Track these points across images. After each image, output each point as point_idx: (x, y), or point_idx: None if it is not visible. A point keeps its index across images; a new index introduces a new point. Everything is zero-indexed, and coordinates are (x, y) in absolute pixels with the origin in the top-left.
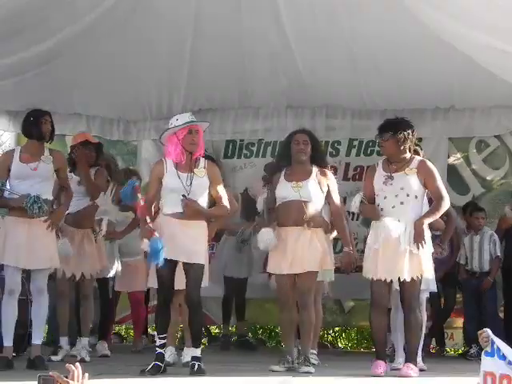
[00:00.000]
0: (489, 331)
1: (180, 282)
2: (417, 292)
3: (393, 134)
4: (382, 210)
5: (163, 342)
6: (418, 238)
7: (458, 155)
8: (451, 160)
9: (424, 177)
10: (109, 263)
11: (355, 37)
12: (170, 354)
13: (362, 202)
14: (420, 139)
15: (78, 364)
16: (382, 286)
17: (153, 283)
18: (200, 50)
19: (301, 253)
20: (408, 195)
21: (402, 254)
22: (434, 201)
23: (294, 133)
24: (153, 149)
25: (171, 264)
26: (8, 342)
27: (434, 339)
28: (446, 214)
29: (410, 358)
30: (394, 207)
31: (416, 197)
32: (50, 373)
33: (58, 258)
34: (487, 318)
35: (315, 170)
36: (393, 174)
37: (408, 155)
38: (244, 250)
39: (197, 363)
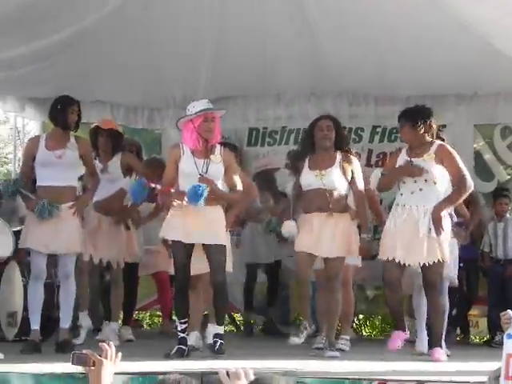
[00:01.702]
0: (510, 313)
1: (202, 267)
2: (439, 276)
3: (410, 122)
4: (401, 195)
5: (184, 326)
6: (437, 225)
7: (483, 142)
8: (476, 146)
9: (444, 161)
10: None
11: (378, 23)
12: (194, 338)
13: (382, 174)
14: (444, 126)
15: (111, 343)
16: (394, 268)
17: None
18: (223, 36)
19: (327, 237)
20: (426, 181)
21: (421, 239)
22: (455, 184)
23: (317, 119)
24: (176, 137)
25: (187, 249)
26: (35, 326)
27: (458, 328)
28: (473, 202)
29: (436, 342)
30: (412, 193)
31: (435, 183)
32: (84, 351)
33: (82, 243)
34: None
35: (339, 156)
36: (413, 159)
37: (428, 141)
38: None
39: (219, 341)
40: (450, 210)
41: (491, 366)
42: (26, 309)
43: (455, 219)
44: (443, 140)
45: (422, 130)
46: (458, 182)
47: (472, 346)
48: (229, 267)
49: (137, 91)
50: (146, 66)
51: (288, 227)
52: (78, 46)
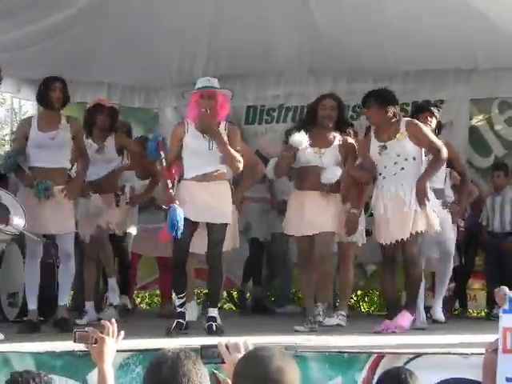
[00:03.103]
0: (505, 289)
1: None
2: (416, 246)
3: (375, 102)
4: (384, 178)
5: (182, 301)
6: (421, 198)
7: (480, 117)
8: (473, 122)
9: (415, 136)
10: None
11: None
12: (191, 311)
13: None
14: (442, 101)
15: (113, 321)
16: (391, 248)
17: None
18: (221, 15)
19: (317, 214)
20: (406, 159)
21: (408, 215)
22: (432, 156)
23: (322, 97)
24: (173, 116)
25: (191, 226)
26: (32, 305)
27: (457, 301)
28: (461, 173)
29: (408, 306)
30: (395, 174)
31: (414, 158)
32: (86, 328)
33: (73, 222)
34: (509, 279)
35: (338, 137)
36: (386, 144)
37: (394, 120)
38: (269, 213)
39: (214, 324)
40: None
41: (489, 338)
42: None
43: (450, 199)
44: (440, 123)
45: (388, 111)
46: (432, 150)
47: (470, 319)
48: (235, 243)
49: (134, 71)
50: (143, 46)
51: (298, 137)
52: (73, 27)
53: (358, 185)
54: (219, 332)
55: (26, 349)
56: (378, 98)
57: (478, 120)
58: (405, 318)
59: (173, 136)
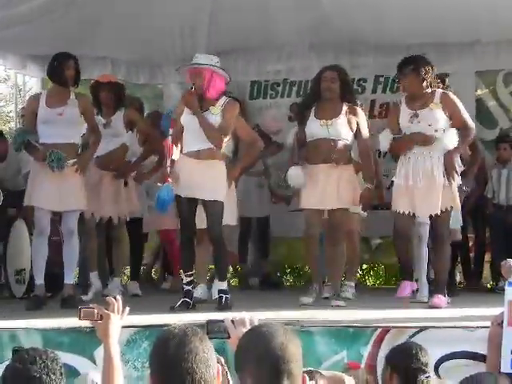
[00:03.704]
0: (511, 261)
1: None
2: (448, 223)
3: (413, 69)
4: (409, 148)
5: (190, 279)
6: (451, 171)
7: (485, 89)
8: (478, 94)
9: (449, 109)
10: (139, 205)
11: None
12: (201, 291)
13: (394, 138)
14: (447, 75)
15: (118, 297)
16: (408, 220)
17: None
18: None
19: (332, 189)
20: (436, 131)
21: (437, 189)
22: (461, 131)
23: (323, 70)
24: (178, 92)
25: (191, 202)
26: (39, 280)
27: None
28: (473, 149)
29: (439, 288)
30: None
31: (443, 131)
32: (91, 305)
33: (85, 200)
34: None
35: (345, 107)
36: (418, 112)
37: (430, 90)
38: (264, 188)
39: (224, 296)
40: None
41: (494, 311)
42: None
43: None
44: (447, 88)
45: (425, 78)
46: (464, 127)
47: (476, 292)
48: (233, 220)
49: (138, 47)
50: (146, 22)
51: (295, 172)
52: (77, 2)
53: (369, 156)
54: (228, 306)
55: (33, 325)
56: (416, 66)
57: (484, 92)
58: (441, 300)
59: (176, 113)
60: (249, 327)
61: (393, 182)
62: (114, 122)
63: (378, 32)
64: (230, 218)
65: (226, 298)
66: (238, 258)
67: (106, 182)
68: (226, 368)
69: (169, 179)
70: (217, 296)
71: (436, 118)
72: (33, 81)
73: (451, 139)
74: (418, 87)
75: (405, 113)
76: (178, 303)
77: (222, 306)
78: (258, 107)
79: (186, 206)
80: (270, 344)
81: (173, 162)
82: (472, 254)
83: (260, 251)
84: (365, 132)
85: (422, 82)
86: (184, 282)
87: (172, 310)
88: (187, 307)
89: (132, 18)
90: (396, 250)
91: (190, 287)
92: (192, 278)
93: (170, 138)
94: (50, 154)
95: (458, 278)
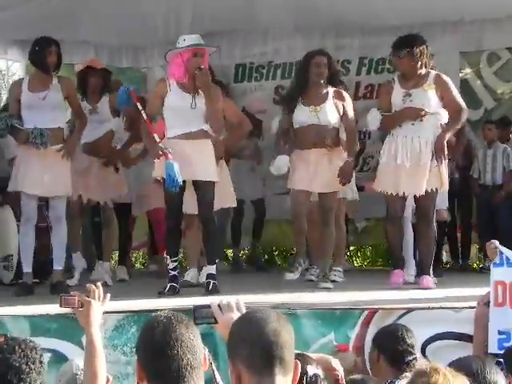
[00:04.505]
0: (496, 242)
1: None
2: (433, 204)
3: (409, 51)
4: (400, 126)
5: (175, 264)
6: (440, 153)
7: (469, 69)
8: (462, 74)
9: (442, 90)
10: (128, 189)
11: None
12: (192, 274)
13: (383, 115)
14: (432, 55)
15: (99, 284)
16: (399, 200)
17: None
18: None
19: (323, 172)
20: (428, 111)
21: (423, 169)
22: (453, 113)
23: (312, 55)
24: (162, 75)
25: (180, 187)
26: (27, 268)
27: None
28: (460, 130)
29: (425, 270)
30: (413, 124)
31: (436, 113)
32: (72, 292)
33: (69, 184)
34: (501, 232)
35: (331, 91)
36: (411, 91)
37: (424, 70)
38: (258, 171)
39: (212, 281)
40: None
41: (481, 291)
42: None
43: None
44: (432, 68)
45: (420, 59)
46: (456, 110)
47: (462, 272)
48: (232, 202)
49: (120, 30)
50: (129, 5)
51: (282, 161)
52: None
53: (355, 133)
54: (215, 290)
55: (20, 312)
56: (410, 49)
57: (468, 72)
58: (429, 281)
59: (154, 91)
60: (236, 312)
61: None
62: (100, 107)
63: (363, 13)
64: (227, 200)
65: (214, 283)
66: (231, 240)
67: (95, 167)
68: (210, 357)
69: (169, 156)
70: (205, 280)
71: (428, 98)
72: (16, 65)
73: (444, 116)
74: (413, 68)
75: (398, 92)
76: (166, 288)
77: (209, 291)
78: (242, 90)
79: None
80: (263, 330)
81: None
82: (459, 234)
83: (254, 234)
84: (351, 112)
85: (416, 64)
86: (170, 267)
87: (160, 295)
88: (174, 292)
89: (115, 3)
90: (387, 236)
91: (175, 272)
92: (177, 263)
93: (143, 114)
94: (31, 132)
95: (445, 257)
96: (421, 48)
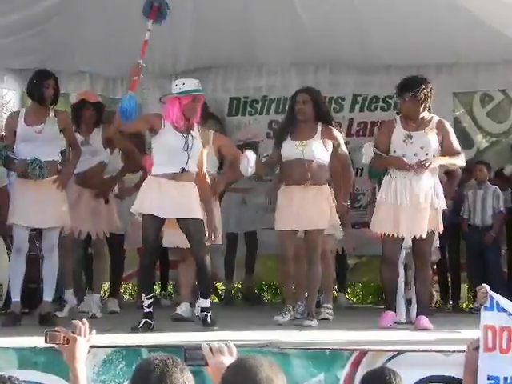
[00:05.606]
0: (486, 287)
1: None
2: (431, 245)
3: (414, 94)
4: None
5: (151, 301)
6: (421, 167)
7: (462, 109)
8: (455, 114)
9: (443, 135)
10: (120, 222)
11: None
12: (185, 309)
13: (375, 153)
14: None
15: (85, 320)
16: (396, 243)
17: (167, 243)
18: (203, 6)
19: (308, 210)
20: (427, 154)
21: (423, 210)
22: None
23: (296, 92)
24: (156, 107)
25: (157, 223)
26: (16, 298)
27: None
28: (451, 172)
29: (423, 310)
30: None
31: (434, 156)
32: (57, 328)
33: (68, 216)
34: (490, 273)
35: (320, 128)
36: (412, 133)
37: (426, 114)
38: (249, 204)
39: (208, 314)
40: None
41: (471, 334)
42: None
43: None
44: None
45: (424, 102)
46: (455, 153)
47: (452, 313)
48: (219, 239)
49: (116, 61)
50: (125, 38)
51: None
52: (56, 16)
53: (350, 171)
54: (212, 323)
55: (8, 343)
56: (414, 93)
57: (460, 112)
58: (428, 322)
59: (148, 117)
60: (228, 356)
61: (370, 200)
62: (92, 139)
63: (358, 52)
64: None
65: (210, 316)
66: (224, 273)
67: (86, 198)
68: None
69: (133, 88)
70: (199, 313)
71: (429, 142)
72: (11, 93)
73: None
74: (416, 111)
75: (399, 132)
76: (140, 324)
77: (206, 324)
78: (236, 124)
79: (155, 227)
80: (256, 377)
81: None
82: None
83: (246, 267)
84: (344, 149)
85: (419, 107)
86: (145, 304)
87: (133, 330)
88: (149, 328)
89: (112, 35)
90: (381, 277)
91: (150, 309)
92: (152, 300)
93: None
94: (31, 162)
95: (436, 297)
96: (425, 92)
